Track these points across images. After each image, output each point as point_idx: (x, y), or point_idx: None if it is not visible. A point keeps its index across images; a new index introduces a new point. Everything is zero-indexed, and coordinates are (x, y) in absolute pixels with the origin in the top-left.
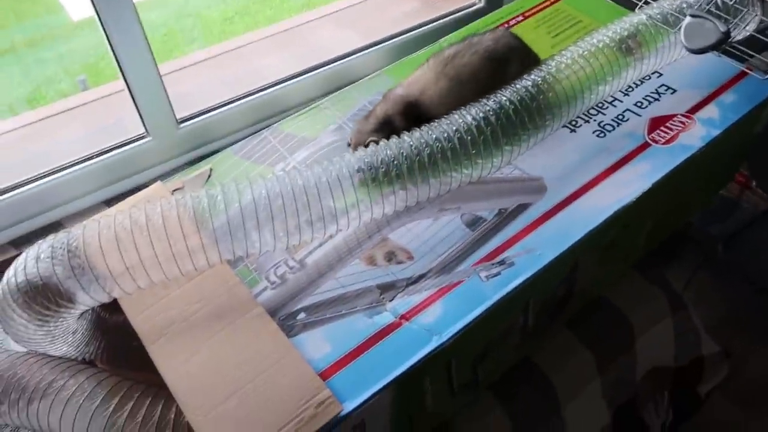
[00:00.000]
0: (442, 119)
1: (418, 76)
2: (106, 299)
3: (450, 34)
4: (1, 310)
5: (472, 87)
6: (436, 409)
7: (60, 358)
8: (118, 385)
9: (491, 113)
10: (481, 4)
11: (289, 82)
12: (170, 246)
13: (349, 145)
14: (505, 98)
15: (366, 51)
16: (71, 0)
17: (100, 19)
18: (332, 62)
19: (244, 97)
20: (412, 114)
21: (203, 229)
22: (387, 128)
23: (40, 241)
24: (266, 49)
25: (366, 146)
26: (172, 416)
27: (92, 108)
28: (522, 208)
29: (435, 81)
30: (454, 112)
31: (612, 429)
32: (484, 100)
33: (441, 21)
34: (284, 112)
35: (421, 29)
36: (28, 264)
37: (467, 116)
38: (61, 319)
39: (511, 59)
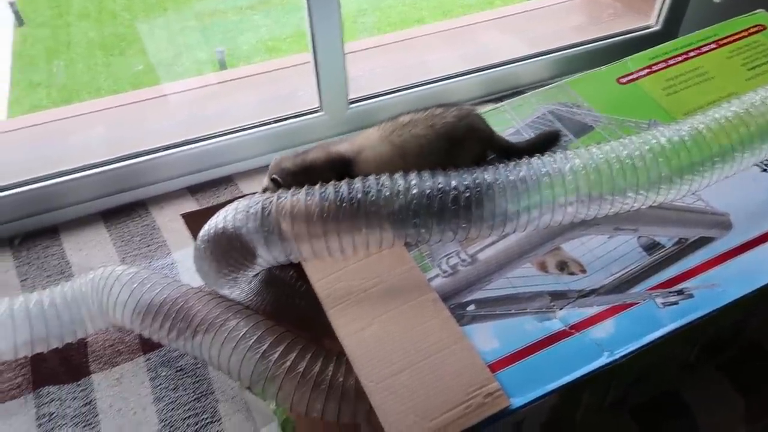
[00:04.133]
0: (637, 135)
1: (363, 135)
2: (285, 261)
3: (634, 55)
4: (200, 249)
5: (415, 162)
6: (582, 423)
7: (231, 299)
8: (282, 335)
9: (687, 138)
10: (658, 28)
11: (453, 80)
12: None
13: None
14: (702, 125)
15: (532, 59)
16: None
17: None
18: (497, 66)
19: (410, 88)
20: (343, 171)
21: (384, 211)
22: (304, 176)
23: (249, 196)
24: (434, 44)
25: (272, 180)
26: (329, 375)
27: (270, 77)
28: (704, 240)
29: (377, 144)
30: (653, 128)
31: None
32: (680, 124)
33: (612, 40)
34: None
35: (590, 45)
36: (233, 215)
37: (661, 137)
38: (246, 269)
39: (469, 143)
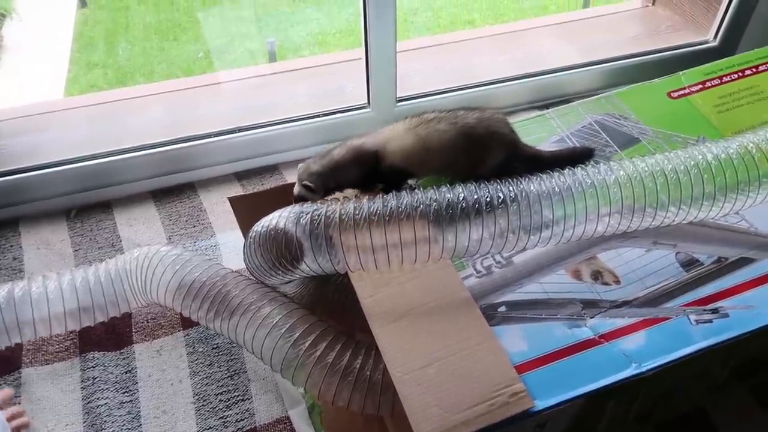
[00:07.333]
0: (683, 150)
1: (388, 129)
2: (331, 270)
3: (688, 69)
4: (251, 240)
5: (437, 157)
6: None
7: (268, 286)
8: (313, 325)
9: (735, 156)
10: (715, 44)
11: (500, 84)
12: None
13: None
14: (752, 144)
15: (583, 68)
16: None
17: None
18: (547, 73)
19: (457, 90)
20: (369, 164)
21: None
22: (331, 175)
23: (303, 204)
24: (484, 47)
25: (303, 186)
26: (357, 367)
27: (319, 71)
28: (744, 261)
29: (402, 135)
30: (699, 143)
31: None
32: (729, 141)
33: (666, 54)
34: None
35: (644, 57)
36: (284, 217)
37: (708, 153)
38: (291, 273)
39: (491, 146)
